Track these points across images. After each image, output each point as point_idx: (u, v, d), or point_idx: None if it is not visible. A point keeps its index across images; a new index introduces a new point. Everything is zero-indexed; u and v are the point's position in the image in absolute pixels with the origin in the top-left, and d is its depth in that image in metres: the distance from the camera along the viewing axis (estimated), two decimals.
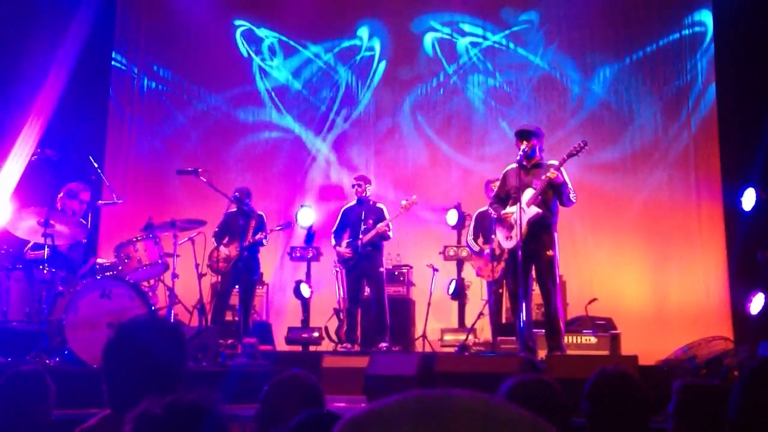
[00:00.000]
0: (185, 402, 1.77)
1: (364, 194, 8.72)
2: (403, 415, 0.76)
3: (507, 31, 10.84)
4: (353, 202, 8.86)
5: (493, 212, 7.14)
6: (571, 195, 6.78)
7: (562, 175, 6.73)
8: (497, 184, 8.12)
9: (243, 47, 11.32)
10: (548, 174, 6.64)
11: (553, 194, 6.80)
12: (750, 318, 8.41)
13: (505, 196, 7.03)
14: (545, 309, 6.94)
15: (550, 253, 6.77)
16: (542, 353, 6.96)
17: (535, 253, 6.77)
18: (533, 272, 6.91)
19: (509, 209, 6.89)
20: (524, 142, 6.86)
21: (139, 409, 1.76)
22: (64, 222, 7.04)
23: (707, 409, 2.60)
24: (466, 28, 10.97)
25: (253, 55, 11.32)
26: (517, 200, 6.77)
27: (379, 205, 8.77)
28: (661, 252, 9.95)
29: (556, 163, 6.83)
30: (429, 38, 11.04)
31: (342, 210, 8.93)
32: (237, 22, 11.33)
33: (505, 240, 6.95)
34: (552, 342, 6.81)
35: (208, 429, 1.73)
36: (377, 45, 11.14)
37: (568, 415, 2.43)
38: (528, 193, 6.78)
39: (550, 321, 6.89)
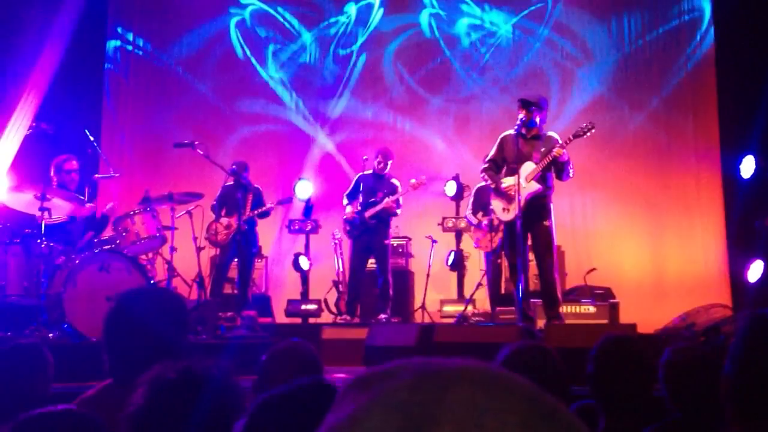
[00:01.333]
0: (198, 368, 1.77)
1: (384, 170, 8.63)
2: (405, 371, 0.78)
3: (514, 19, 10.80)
4: (369, 171, 8.76)
5: (488, 179, 7.02)
6: (570, 171, 6.75)
7: (566, 153, 6.67)
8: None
9: (236, 37, 11.24)
10: (554, 152, 6.58)
11: (551, 168, 6.76)
12: (748, 286, 8.43)
13: (502, 162, 6.97)
14: (542, 279, 6.92)
15: (546, 223, 6.76)
16: (541, 323, 6.98)
17: (532, 224, 6.76)
18: (530, 242, 6.89)
19: (507, 181, 6.85)
20: (523, 111, 6.80)
21: (152, 373, 1.76)
22: (62, 196, 7.03)
23: (698, 374, 2.61)
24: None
25: (242, 42, 11.23)
26: (515, 171, 6.72)
27: (393, 180, 8.70)
28: (660, 221, 9.95)
29: (556, 135, 6.79)
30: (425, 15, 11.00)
31: (357, 176, 8.84)
32: None
33: (502, 212, 6.92)
34: (550, 312, 6.81)
35: (219, 395, 1.73)
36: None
37: (566, 383, 2.43)
38: (528, 167, 6.72)
39: (547, 291, 6.88)
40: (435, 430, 0.73)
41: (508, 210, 6.83)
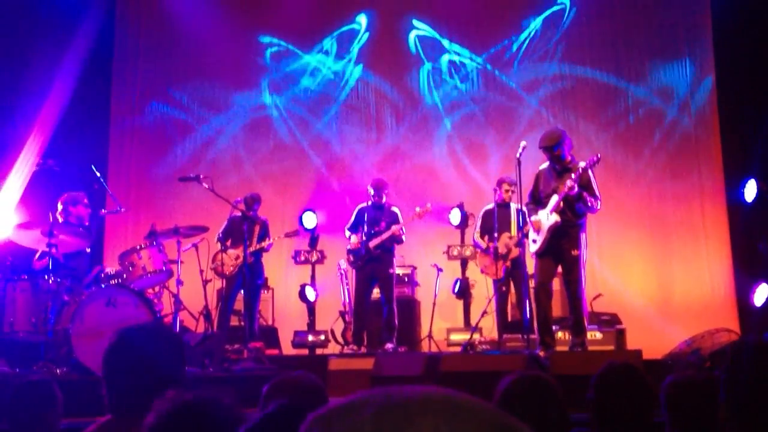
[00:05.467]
0: (203, 399, 1.79)
1: (381, 200, 8.68)
2: (368, 404, 0.78)
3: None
4: (368, 203, 8.80)
5: (527, 213, 7.31)
6: (590, 203, 6.86)
7: (577, 187, 6.82)
8: (507, 184, 8.24)
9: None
10: (568, 185, 6.79)
11: (578, 200, 6.90)
12: (754, 309, 8.42)
13: (538, 195, 7.19)
14: (570, 307, 7.11)
15: (575, 252, 6.91)
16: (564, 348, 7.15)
17: (561, 254, 6.95)
18: (560, 270, 7.09)
19: (539, 214, 7.05)
20: (547, 155, 7.05)
21: (160, 403, 1.78)
22: (68, 232, 7.09)
23: (698, 401, 2.62)
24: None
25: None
26: (546, 205, 6.99)
27: (393, 208, 8.75)
28: (665, 246, 9.94)
29: (583, 165, 6.93)
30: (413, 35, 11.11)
31: (357, 208, 8.88)
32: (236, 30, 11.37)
33: (532, 243, 7.16)
34: (576, 339, 7.00)
35: (223, 427, 1.75)
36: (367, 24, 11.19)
37: (565, 411, 2.45)
38: (553, 200, 6.95)
39: (573, 319, 7.06)
40: None
41: (536, 242, 7.06)
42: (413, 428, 0.75)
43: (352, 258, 8.69)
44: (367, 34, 11.20)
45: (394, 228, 8.49)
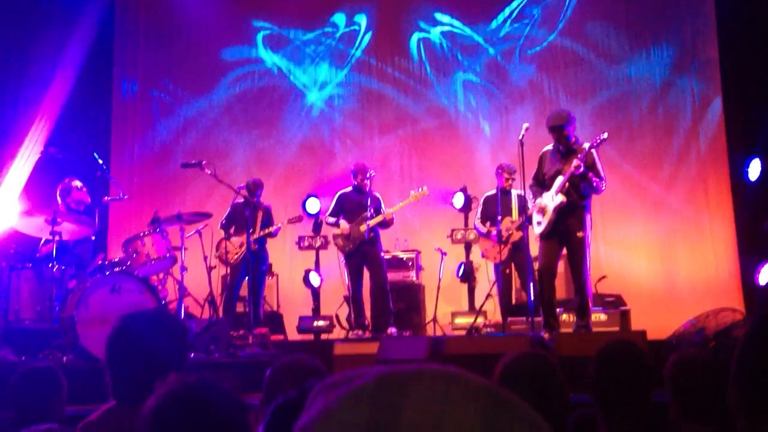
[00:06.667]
0: (203, 384, 1.79)
1: (365, 185, 8.61)
2: (370, 373, 0.84)
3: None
4: (349, 189, 8.76)
5: (531, 196, 7.30)
6: (595, 182, 6.87)
7: (583, 166, 6.81)
8: (507, 173, 8.24)
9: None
10: (572, 166, 6.78)
11: (583, 180, 6.88)
12: (759, 289, 8.40)
13: (542, 178, 7.17)
14: (575, 288, 7.12)
15: (580, 234, 6.92)
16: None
17: (566, 234, 6.95)
18: (565, 252, 7.10)
19: (544, 196, 7.04)
20: (554, 135, 7.02)
21: (160, 388, 1.78)
22: (72, 220, 7.11)
23: (702, 379, 2.62)
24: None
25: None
26: (550, 187, 6.98)
27: (376, 193, 8.72)
28: (669, 226, 9.91)
29: (587, 145, 6.92)
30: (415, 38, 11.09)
31: (338, 195, 8.84)
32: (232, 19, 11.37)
33: (536, 225, 7.13)
34: (580, 321, 7.01)
35: (223, 411, 1.75)
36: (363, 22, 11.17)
37: (564, 390, 2.46)
38: (558, 181, 6.94)
39: (578, 300, 7.07)
40: (402, 417, 0.78)
41: (540, 224, 7.05)
42: (412, 389, 0.80)
43: (341, 243, 8.64)
44: (364, 17, 11.18)
45: (387, 212, 8.48)
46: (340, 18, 11.26)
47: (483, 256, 8.73)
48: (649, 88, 10.29)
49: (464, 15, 11.00)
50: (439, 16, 11.04)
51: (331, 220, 8.72)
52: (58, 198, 7.59)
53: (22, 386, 3.66)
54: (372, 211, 8.45)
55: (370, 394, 0.80)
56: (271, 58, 11.36)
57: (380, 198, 8.71)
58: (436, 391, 0.80)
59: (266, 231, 8.54)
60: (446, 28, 10.99)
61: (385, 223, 8.56)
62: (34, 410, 3.54)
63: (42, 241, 7.44)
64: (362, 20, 11.19)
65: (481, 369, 0.94)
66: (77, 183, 7.67)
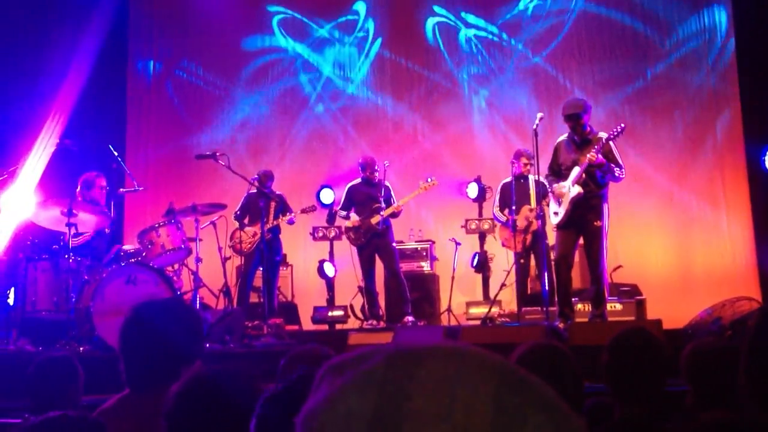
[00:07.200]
0: (219, 374, 1.80)
1: (374, 177, 8.65)
2: (379, 352, 0.82)
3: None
4: (358, 181, 8.79)
5: (548, 185, 7.30)
6: (617, 172, 6.86)
7: (601, 157, 6.78)
8: (526, 158, 8.19)
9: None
10: (589, 156, 6.75)
11: (600, 170, 6.85)
12: None
13: (558, 168, 7.15)
14: (592, 278, 7.09)
15: (597, 223, 6.88)
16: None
17: (583, 224, 6.92)
18: (581, 242, 7.06)
19: (560, 187, 7.00)
20: (570, 124, 6.98)
21: (181, 379, 1.79)
22: (88, 211, 7.14)
23: (719, 368, 2.60)
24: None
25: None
26: (567, 177, 6.95)
27: (387, 183, 8.74)
28: (685, 215, 9.86)
29: (604, 135, 6.88)
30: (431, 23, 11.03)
31: (347, 188, 8.87)
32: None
33: (553, 215, 7.12)
34: (596, 310, 6.98)
35: (239, 400, 1.76)
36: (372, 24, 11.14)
37: (580, 380, 2.45)
38: (575, 172, 6.91)
39: (594, 290, 7.03)
40: (409, 404, 0.76)
41: (558, 214, 7.04)
42: (421, 370, 0.78)
43: (353, 235, 8.67)
44: (377, 6, 11.15)
45: (398, 204, 8.52)
46: (358, 5, 11.24)
47: (503, 245, 8.69)
48: (664, 76, 10.21)
49: (482, 1, 10.94)
50: (455, 1, 10.99)
51: (343, 213, 8.79)
52: (78, 187, 7.62)
53: (39, 376, 3.69)
54: (382, 202, 8.46)
55: (378, 380, 0.78)
56: (290, 45, 11.36)
57: (391, 188, 8.72)
58: (448, 372, 0.78)
59: (282, 219, 8.56)
60: (462, 15, 10.95)
61: (394, 214, 8.59)
62: (51, 399, 3.56)
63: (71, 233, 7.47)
64: (376, 9, 11.16)
65: None
66: (103, 182, 7.70)
